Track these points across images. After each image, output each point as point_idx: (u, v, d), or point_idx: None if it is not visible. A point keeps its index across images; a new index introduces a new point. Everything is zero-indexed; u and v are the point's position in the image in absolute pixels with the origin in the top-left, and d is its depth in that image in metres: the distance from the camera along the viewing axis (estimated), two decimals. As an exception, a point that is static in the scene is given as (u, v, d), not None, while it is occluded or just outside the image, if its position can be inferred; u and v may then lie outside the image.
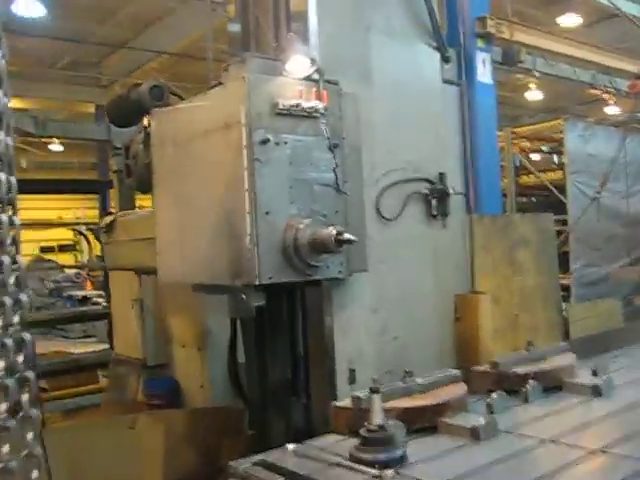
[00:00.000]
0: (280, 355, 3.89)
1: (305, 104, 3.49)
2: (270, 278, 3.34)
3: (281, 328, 3.90)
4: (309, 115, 3.53)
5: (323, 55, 3.75)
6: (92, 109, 19.84)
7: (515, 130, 13.59)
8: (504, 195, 11.27)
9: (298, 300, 3.90)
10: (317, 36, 3.83)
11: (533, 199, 15.25)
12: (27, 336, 2.32)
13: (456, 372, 3.85)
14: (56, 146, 23.63)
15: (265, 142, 3.35)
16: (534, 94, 20.72)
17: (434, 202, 4.44)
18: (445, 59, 4.73)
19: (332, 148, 3.61)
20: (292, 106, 3.46)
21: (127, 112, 4.71)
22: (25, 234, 18.53)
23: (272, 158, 3.38)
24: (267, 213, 3.35)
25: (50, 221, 21.21)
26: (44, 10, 12.94)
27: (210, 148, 3.58)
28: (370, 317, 4.05)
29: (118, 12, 14.87)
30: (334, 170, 3.62)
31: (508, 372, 4.00)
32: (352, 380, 3.83)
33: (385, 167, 4.22)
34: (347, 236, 3.32)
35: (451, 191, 4.50)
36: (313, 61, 3.61)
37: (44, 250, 23.42)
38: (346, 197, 3.68)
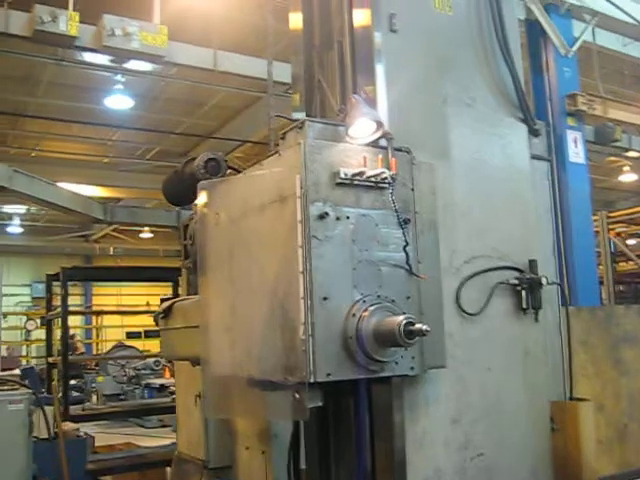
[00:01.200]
0: (344, 464, 3.39)
1: (370, 172, 3.10)
2: (328, 375, 2.89)
3: (346, 432, 3.40)
4: (375, 185, 3.14)
5: (393, 127, 3.37)
6: (180, 198, 20.27)
7: (610, 214, 12.94)
8: (600, 283, 10.61)
9: (364, 400, 3.38)
10: (386, 106, 3.48)
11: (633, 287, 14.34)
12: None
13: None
14: (146, 234, 24.41)
15: (323, 216, 2.97)
16: (628, 176, 19.88)
17: (524, 294, 3.93)
18: (534, 132, 4.28)
19: (402, 223, 3.18)
20: (355, 175, 3.07)
21: (182, 188, 4.36)
22: (112, 320, 18.96)
23: (332, 235, 2.99)
24: (325, 299, 2.93)
25: (135, 307, 21.48)
26: (132, 102, 13.38)
27: (264, 224, 3.22)
28: (450, 428, 3.51)
29: (205, 104, 15.27)
30: (405, 249, 3.17)
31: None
32: (428, 504, 3.28)
33: (467, 254, 3.76)
34: (419, 326, 2.85)
35: (544, 281, 3.97)
36: (380, 125, 3.25)
37: (130, 336, 23.69)
38: (419, 281, 3.22)
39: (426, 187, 3.38)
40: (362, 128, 3.24)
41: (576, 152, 7.72)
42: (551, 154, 4.65)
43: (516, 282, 3.91)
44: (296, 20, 4.32)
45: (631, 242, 14.35)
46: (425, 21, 3.90)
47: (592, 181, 8.71)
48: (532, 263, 4.00)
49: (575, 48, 8.58)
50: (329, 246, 2.98)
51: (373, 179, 3.12)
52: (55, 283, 11.87)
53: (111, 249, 24.05)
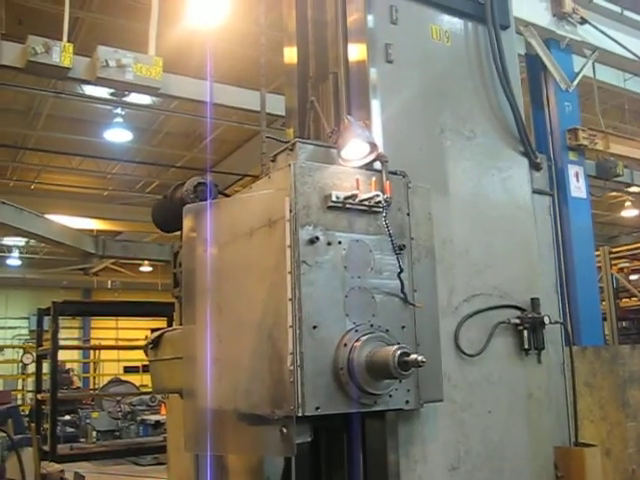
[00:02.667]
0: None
1: (363, 196, 2.96)
2: (317, 409, 2.71)
3: (339, 471, 3.21)
4: (368, 209, 2.99)
5: (389, 159, 3.22)
6: (179, 231, 20.22)
7: (613, 249, 12.84)
8: (603, 319, 10.46)
9: (357, 437, 3.18)
10: (382, 138, 3.36)
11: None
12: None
13: None
14: (146, 267, 24.29)
15: (314, 241, 2.82)
16: (630, 212, 19.81)
17: (526, 333, 3.76)
18: (535, 166, 4.15)
19: (397, 249, 3.02)
20: (347, 198, 2.93)
21: (172, 213, 4.05)
22: (110, 354, 18.78)
23: (322, 260, 2.84)
24: (315, 327, 2.77)
25: (133, 341, 21.27)
26: (132, 135, 13.38)
27: (253, 249, 3.05)
28: (448, 476, 3.31)
29: (204, 137, 15.28)
30: (399, 276, 3.01)
31: None
32: None
33: (466, 292, 3.61)
34: (414, 357, 2.68)
35: (546, 320, 3.81)
36: (373, 147, 3.12)
37: (128, 370, 23.42)
38: (415, 310, 3.06)
39: (422, 212, 3.24)
40: (355, 150, 3.13)
41: (578, 187, 7.63)
42: (553, 188, 4.53)
43: (518, 321, 3.75)
44: (291, 54, 4.25)
45: (634, 277, 14.22)
46: (422, 52, 3.81)
47: (594, 216, 8.62)
48: (534, 301, 3.84)
49: (575, 83, 8.54)
50: (319, 272, 2.83)
51: (366, 203, 2.99)
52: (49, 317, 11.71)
53: (109, 282, 23.88)
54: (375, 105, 3.48)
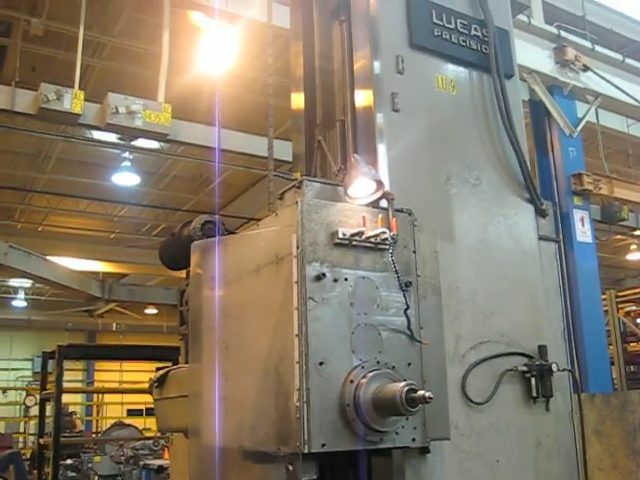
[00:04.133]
0: None
1: (369, 233, 2.97)
2: (323, 445, 2.66)
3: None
4: (375, 246, 2.99)
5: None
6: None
7: (619, 293, 12.78)
8: (611, 363, 10.36)
9: (363, 475, 3.09)
10: (388, 185, 3.38)
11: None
12: None
13: None
14: (151, 310, 24.26)
15: (320, 277, 2.81)
16: (636, 255, 19.78)
17: (534, 381, 3.71)
18: (541, 213, 4.16)
19: (403, 286, 3.01)
20: (354, 235, 2.93)
21: (179, 251, 4.07)
22: (113, 396, 18.59)
23: (329, 297, 2.82)
24: (321, 364, 2.73)
25: (137, 384, 21.12)
26: (139, 179, 13.51)
27: (260, 286, 3.05)
28: (457, 527, 3.26)
29: (211, 181, 15.41)
30: (406, 313, 2.99)
31: None
32: None
33: (473, 340, 3.58)
34: (422, 393, 2.64)
35: (554, 367, 3.77)
36: (380, 185, 3.15)
37: (131, 413, 23.23)
38: (421, 347, 3.02)
39: (428, 250, 3.23)
40: (362, 188, 3.16)
41: (583, 231, 7.66)
42: (559, 234, 4.54)
43: (525, 369, 3.71)
44: (298, 100, 4.31)
45: (642, 322, 14.12)
46: (428, 101, 3.86)
47: (599, 259, 8.63)
48: (542, 349, 3.81)
49: (579, 129, 8.66)
50: (326, 308, 2.81)
51: (373, 240, 2.99)
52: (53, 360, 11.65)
53: (114, 325, 23.81)
54: (381, 153, 3.52)
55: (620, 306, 12.86)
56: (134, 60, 10.51)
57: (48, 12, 9.47)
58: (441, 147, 3.81)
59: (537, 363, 3.75)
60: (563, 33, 8.89)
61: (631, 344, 13.28)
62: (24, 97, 6.06)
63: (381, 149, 3.53)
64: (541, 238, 4.15)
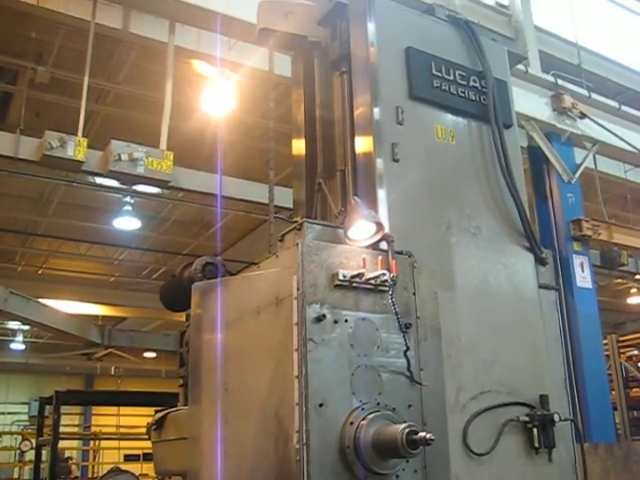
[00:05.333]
0: None
1: (369, 274, 2.99)
2: None
3: None
4: (375, 288, 3.02)
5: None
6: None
7: (620, 338, 12.70)
8: (613, 409, 10.23)
9: None
10: (388, 231, 3.42)
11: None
12: None
13: None
14: (150, 353, 24.04)
15: (321, 319, 2.83)
16: (636, 299, 19.71)
17: (536, 431, 3.68)
18: (540, 261, 4.18)
19: (403, 328, 3.03)
20: (354, 277, 2.96)
21: (180, 292, 4.07)
22: (110, 442, 18.25)
23: (329, 338, 2.84)
24: (321, 405, 2.73)
25: (135, 429, 20.83)
26: (140, 223, 13.56)
27: (260, 328, 3.07)
28: None
29: (212, 226, 15.45)
30: (405, 354, 3.00)
31: None
32: None
33: (474, 389, 3.56)
34: (423, 435, 2.63)
35: (556, 417, 3.74)
36: (380, 227, 3.19)
37: (129, 458, 22.85)
38: (421, 389, 3.02)
39: (428, 292, 3.26)
40: (362, 230, 3.19)
41: (583, 277, 7.65)
42: (559, 282, 4.54)
43: (527, 419, 3.67)
44: (299, 146, 4.37)
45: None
46: (427, 151, 3.91)
47: (599, 302, 8.60)
48: (543, 398, 3.78)
49: (577, 175, 8.73)
50: (326, 350, 2.82)
51: (373, 281, 3.02)
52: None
53: (112, 369, 23.60)
54: (382, 202, 3.55)
55: (622, 351, 12.77)
56: (137, 106, 10.64)
57: (54, 60, 9.64)
58: (441, 197, 3.84)
59: (539, 413, 3.72)
60: (560, 81, 9.02)
61: (634, 389, 13.14)
62: (28, 144, 6.13)
63: (381, 199, 3.57)
64: (541, 286, 4.16)
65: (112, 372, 21.79)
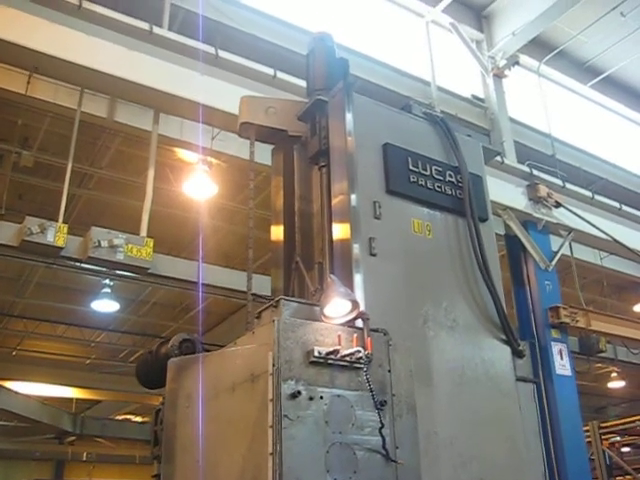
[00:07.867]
0: None
1: (344, 351, 3.01)
2: None
3: None
4: (350, 365, 3.03)
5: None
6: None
7: (602, 424, 12.56)
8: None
9: None
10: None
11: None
12: None
13: None
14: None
15: (296, 395, 2.83)
16: (617, 383, 19.64)
17: (517, 531, 3.61)
18: (518, 354, 4.20)
19: (378, 405, 3.02)
20: (329, 354, 2.98)
21: (156, 369, 4.00)
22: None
23: (304, 415, 2.83)
24: None
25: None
26: (118, 305, 13.44)
27: (235, 405, 3.06)
28: None
29: (191, 309, 15.33)
30: (381, 432, 2.98)
31: None
32: None
33: (453, 486, 3.50)
34: None
35: (537, 516, 3.67)
36: (355, 305, 3.23)
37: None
38: (397, 467, 2.99)
39: (403, 369, 3.27)
40: (338, 307, 3.22)
41: (562, 364, 7.63)
42: (537, 374, 4.55)
43: (508, 517, 3.62)
44: (277, 232, 4.42)
45: (626, 449, 13.80)
46: (404, 245, 3.98)
47: (580, 387, 8.54)
48: (523, 495, 3.73)
49: (554, 262, 8.83)
50: (301, 427, 2.81)
51: (348, 358, 3.03)
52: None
53: (84, 454, 22.81)
54: (359, 295, 3.58)
55: (604, 437, 12.60)
56: (119, 191, 10.72)
57: (39, 144, 9.74)
58: (418, 291, 3.88)
59: (520, 511, 3.65)
60: (535, 171, 9.24)
61: (617, 478, 12.89)
62: (8, 229, 6.12)
63: (358, 292, 3.60)
64: (519, 379, 4.16)
65: (84, 458, 21.03)
